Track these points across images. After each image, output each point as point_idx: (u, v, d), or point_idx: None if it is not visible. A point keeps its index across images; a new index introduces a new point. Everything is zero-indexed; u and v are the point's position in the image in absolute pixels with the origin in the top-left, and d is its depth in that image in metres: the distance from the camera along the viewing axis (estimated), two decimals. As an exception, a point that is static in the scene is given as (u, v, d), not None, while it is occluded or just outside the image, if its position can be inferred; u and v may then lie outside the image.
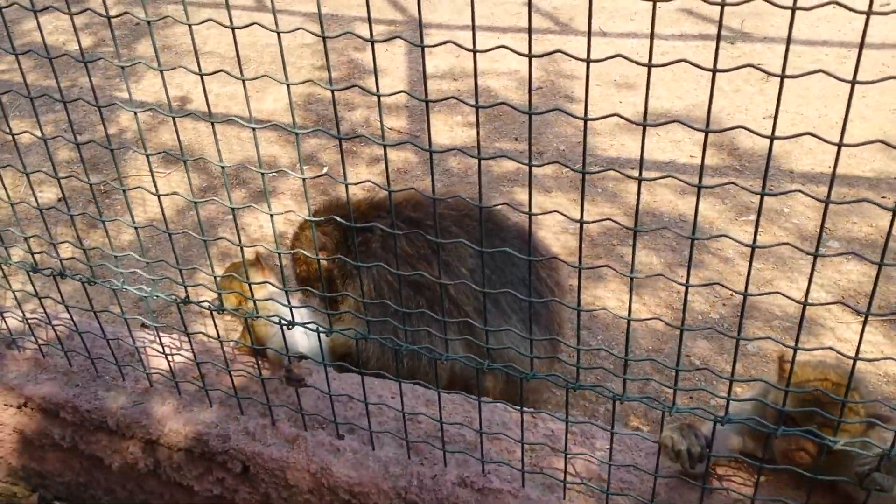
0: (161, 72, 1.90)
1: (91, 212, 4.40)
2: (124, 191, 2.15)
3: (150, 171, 2.13)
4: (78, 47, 1.93)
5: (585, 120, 1.57)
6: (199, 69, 1.87)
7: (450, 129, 5.67)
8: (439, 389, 2.25)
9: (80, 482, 2.88)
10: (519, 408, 2.19)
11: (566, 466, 2.18)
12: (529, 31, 1.53)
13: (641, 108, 5.53)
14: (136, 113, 2.01)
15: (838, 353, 1.74)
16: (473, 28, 1.56)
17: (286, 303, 2.26)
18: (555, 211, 1.77)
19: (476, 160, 1.64)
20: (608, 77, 6.12)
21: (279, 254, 2.17)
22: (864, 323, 1.66)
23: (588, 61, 1.50)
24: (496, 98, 5.99)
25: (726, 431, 2.15)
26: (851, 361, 1.70)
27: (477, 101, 1.60)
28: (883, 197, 4.66)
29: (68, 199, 5.06)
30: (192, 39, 1.81)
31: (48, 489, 2.98)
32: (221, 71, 1.93)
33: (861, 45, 1.32)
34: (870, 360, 1.78)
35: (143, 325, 3.25)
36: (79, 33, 1.86)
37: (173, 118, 1.96)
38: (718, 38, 1.42)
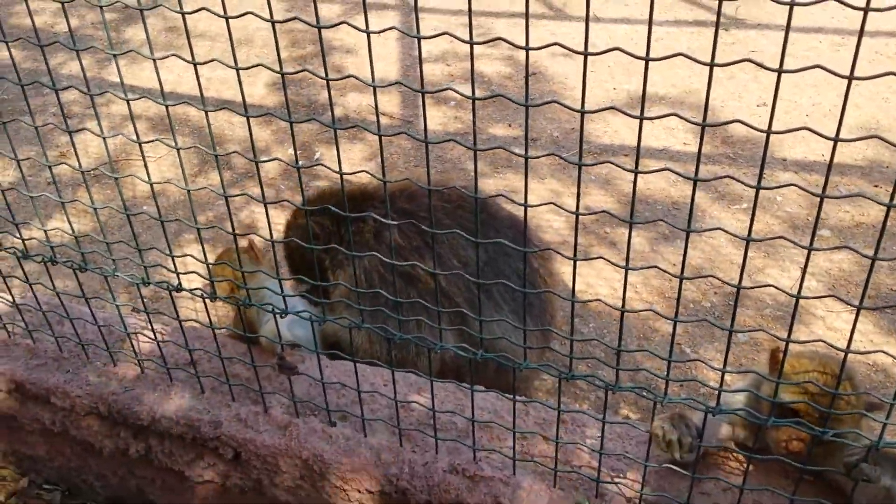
0: (154, 60, 1.89)
1: (81, 197, 4.37)
2: (116, 178, 2.14)
3: (143, 156, 2.12)
4: (68, 29, 1.92)
5: (582, 113, 1.56)
6: (193, 58, 1.86)
7: (442, 115, 5.65)
8: (432, 378, 2.26)
9: (72, 467, 2.88)
10: (511, 396, 2.19)
11: (557, 454, 2.19)
12: (527, 23, 1.51)
13: (635, 92, 5.52)
14: (128, 101, 2.00)
15: (830, 345, 1.75)
16: (470, 19, 1.54)
17: (279, 291, 2.25)
18: (550, 203, 1.77)
19: (471, 148, 1.63)
20: (602, 63, 6.09)
21: (272, 242, 2.16)
22: (857, 316, 1.66)
23: (585, 54, 1.48)
24: (490, 83, 5.97)
25: (717, 421, 2.17)
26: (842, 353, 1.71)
27: (473, 93, 1.59)
28: (875, 186, 4.67)
29: (58, 182, 5.01)
30: (186, 28, 1.80)
31: (39, 473, 2.98)
32: (214, 60, 1.93)
33: (859, 41, 1.32)
34: (862, 353, 1.79)
35: (135, 310, 3.23)
36: (68, 15, 1.84)
37: (166, 106, 1.95)
38: (717, 32, 1.40)
